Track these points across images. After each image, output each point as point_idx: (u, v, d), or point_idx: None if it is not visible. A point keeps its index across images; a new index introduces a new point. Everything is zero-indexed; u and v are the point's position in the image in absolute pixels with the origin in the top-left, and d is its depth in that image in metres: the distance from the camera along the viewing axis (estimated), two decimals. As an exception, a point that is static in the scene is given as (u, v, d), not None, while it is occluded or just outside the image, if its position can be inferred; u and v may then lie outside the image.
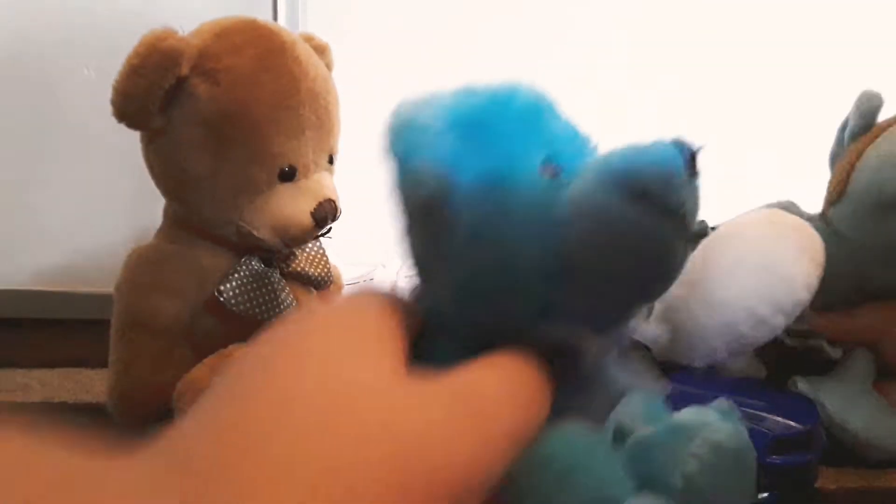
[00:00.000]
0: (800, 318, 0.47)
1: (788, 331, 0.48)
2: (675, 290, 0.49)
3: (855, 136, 0.53)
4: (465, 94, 0.24)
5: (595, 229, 0.22)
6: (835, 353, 0.53)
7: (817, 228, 0.54)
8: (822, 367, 0.52)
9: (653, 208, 0.21)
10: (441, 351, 0.22)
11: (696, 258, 0.48)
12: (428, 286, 0.25)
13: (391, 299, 0.23)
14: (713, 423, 0.24)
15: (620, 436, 0.25)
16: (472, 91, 0.24)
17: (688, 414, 0.25)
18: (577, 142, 0.24)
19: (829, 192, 0.54)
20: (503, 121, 0.23)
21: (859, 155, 0.52)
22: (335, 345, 0.20)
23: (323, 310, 0.22)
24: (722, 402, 0.26)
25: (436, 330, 0.24)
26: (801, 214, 0.57)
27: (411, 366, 0.20)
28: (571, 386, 0.24)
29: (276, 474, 0.16)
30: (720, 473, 0.24)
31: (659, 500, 0.23)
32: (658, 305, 0.50)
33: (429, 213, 0.23)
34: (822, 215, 0.55)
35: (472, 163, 0.22)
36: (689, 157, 0.22)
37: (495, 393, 0.20)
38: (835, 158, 0.56)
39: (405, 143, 0.23)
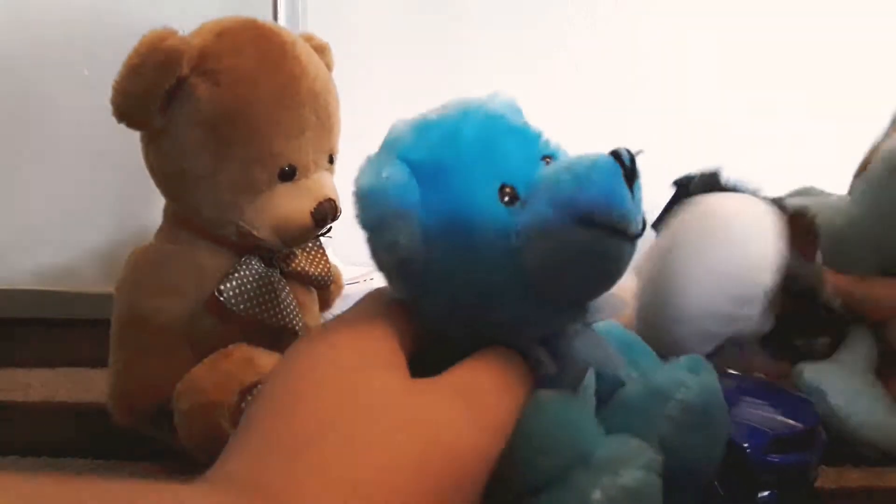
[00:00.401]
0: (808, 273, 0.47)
1: (796, 282, 0.48)
2: (646, 297, 0.50)
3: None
4: (418, 132, 0.26)
5: (549, 253, 0.24)
6: (833, 302, 0.51)
7: (840, 198, 0.53)
8: (826, 324, 0.51)
9: (600, 229, 0.24)
10: (439, 355, 0.25)
11: (657, 267, 0.49)
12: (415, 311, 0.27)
13: (395, 315, 0.26)
14: (684, 381, 0.27)
15: (601, 397, 0.28)
16: (425, 126, 0.26)
17: (662, 374, 0.28)
18: (527, 154, 0.26)
19: (857, 169, 0.54)
20: (456, 158, 0.25)
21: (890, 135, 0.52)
22: (355, 362, 0.23)
23: (339, 330, 0.25)
24: (692, 357, 0.28)
25: (431, 338, 0.27)
26: (825, 193, 0.57)
27: (417, 371, 0.24)
28: (547, 367, 0.26)
29: (326, 483, 0.19)
30: (692, 430, 0.26)
31: (634, 439, 0.25)
32: (636, 306, 0.50)
33: (404, 269, 0.25)
34: (849, 192, 0.54)
35: (434, 206, 0.25)
36: (629, 166, 0.24)
37: (487, 386, 0.24)
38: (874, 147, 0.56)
39: (371, 215, 0.24)
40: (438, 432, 0.21)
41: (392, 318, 0.26)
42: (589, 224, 0.23)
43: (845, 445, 0.48)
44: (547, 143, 0.28)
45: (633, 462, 0.24)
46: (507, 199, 0.25)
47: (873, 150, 0.52)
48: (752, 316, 0.46)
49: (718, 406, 0.27)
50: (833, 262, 0.50)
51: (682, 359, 0.28)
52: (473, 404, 0.23)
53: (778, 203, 0.52)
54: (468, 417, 0.22)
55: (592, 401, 0.28)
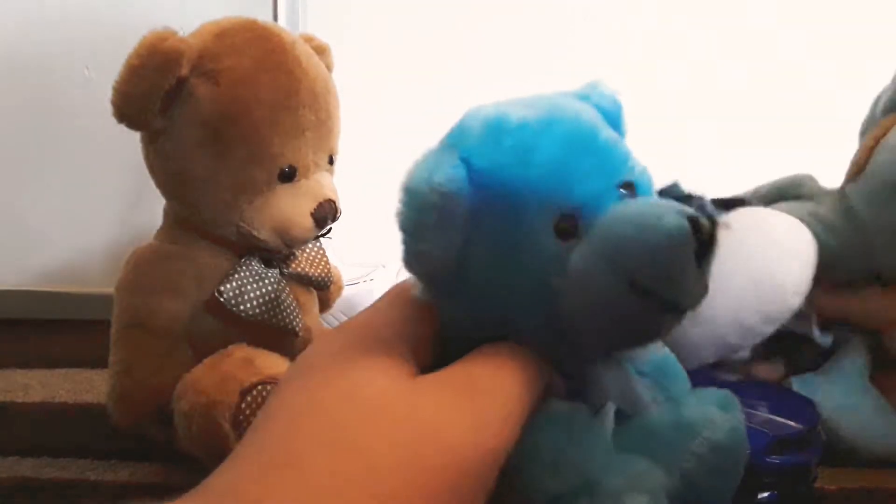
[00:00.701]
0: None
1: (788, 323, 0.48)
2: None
3: (887, 110, 0.51)
4: (491, 135, 0.23)
5: (590, 308, 0.22)
6: (824, 340, 0.51)
7: (833, 204, 0.52)
8: (812, 352, 0.51)
9: (651, 300, 0.21)
10: (459, 353, 0.24)
11: None
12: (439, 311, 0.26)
13: (414, 315, 0.25)
14: (715, 419, 0.25)
15: (622, 416, 0.26)
16: (501, 129, 0.23)
17: (692, 407, 0.26)
18: (605, 182, 0.23)
19: (851, 167, 0.52)
20: (523, 176, 0.23)
21: (885, 132, 0.50)
22: (351, 366, 0.22)
23: (346, 332, 0.25)
24: (723, 394, 0.27)
25: (452, 338, 0.25)
26: (817, 190, 0.56)
27: (435, 366, 0.23)
28: (556, 388, 0.25)
29: (308, 489, 0.19)
30: (716, 471, 0.25)
31: (643, 461, 0.24)
32: None
33: (432, 279, 0.24)
34: (840, 190, 0.53)
35: (485, 219, 0.23)
36: (706, 240, 0.21)
37: (490, 377, 0.22)
38: (865, 131, 0.54)
39: (410, 219, 0.22)
40: (432, 429, 0.20)
41: (409, 318, 0.25)
42: (640, 291, 0.21)
43: (843, 453, 0.48)
44: (632, 167, 0.24)
45: (638, 487, 0.23)
46: (563, 232, 0.22)
47: (868, 149, 0.50)
48: (765, 335, 0.45)
49: (743, 448, 0.26)
50: (824, 273, 0.49)
51: (714, 392, 0.27)
52: (473, 397, 0.22)
53: None
54: (467, 411, 0.21)
55: (611, 420, 0.26)
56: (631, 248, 0.21)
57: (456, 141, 0.24)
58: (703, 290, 0.22)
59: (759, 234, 0.46)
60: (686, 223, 0.21)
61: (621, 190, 0.24)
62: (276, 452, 0.20)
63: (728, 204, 0.52)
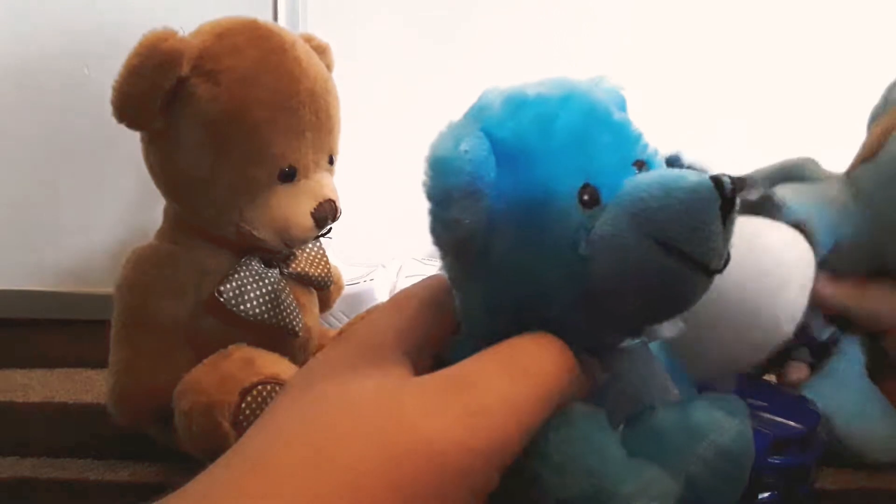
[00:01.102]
0: None
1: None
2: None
3: None
4: (511, 108, 0.24)
5: (619, 270, 0.22)
6: (820, 333, 0.49)
7: (840, 188, 0.50)
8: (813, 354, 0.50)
9: (680, 258, 0.21)
10: (469, 350, 0.23)
11: None
12: (461, 295, 0.26)
13: (411, 319, 0.25)
14: (722, 423, 0.25)
15: (632, 417, 0.26)
16: (520, 102, 0.24)
17: (699, 411, 0.26)
18: (621, 156, 0.24)
19: (861, 151, 0.51)
20: (544, 145, 0.23)
21: None
22: (345, 371, 0.22)
23: (344, 341, 0.25)
24: (732, 398, 0.27)
25: (468, 331, 0.25)
26: (821, 173, 0.54)
27: (440, 363, 0.23)
28: (598, 376, 0.25)
29: (280, 495, 0.18)
30: (721, 475, 0.25)
31: (652, 468, 0.24)
32: None
33: (461, 249, 0.24)
34: (848, 173, 0.51)
35: (509, 191, 0.23)
36: (729, 197, 0.21)
37: (484, 370, 0.22)
38: (875, 117, 0.52)
39: (439, 187, 0.23)
40: (409, 423, 0.20)
41: (411, 323, 0.25)
42: (668, 249, 0.21)
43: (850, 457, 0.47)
44: (645, 146, 0.25)
45: (648, 493, 0.22)
46: (586, 199, 0.23)
47: (882, 133, 0.49)
48: (759, 361, 0.44)
49: (749, 453, 0.26)
50: (828, 262, 0.48)
51: (722, 397, 0.27)
52: (465, 393, 0.21)
53: (773, 202, 0.50)
54: (454, 410, 0.20)
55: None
56: (656, 204, 0.21)
57: (475, 115, 0.24)
58: (727, 248, 0.22)
59: (751, 260, 0.45)
60: (709, 180, 0.21)
61: (635, 167, 0.24)
62: (253, 457, 0.20)
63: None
